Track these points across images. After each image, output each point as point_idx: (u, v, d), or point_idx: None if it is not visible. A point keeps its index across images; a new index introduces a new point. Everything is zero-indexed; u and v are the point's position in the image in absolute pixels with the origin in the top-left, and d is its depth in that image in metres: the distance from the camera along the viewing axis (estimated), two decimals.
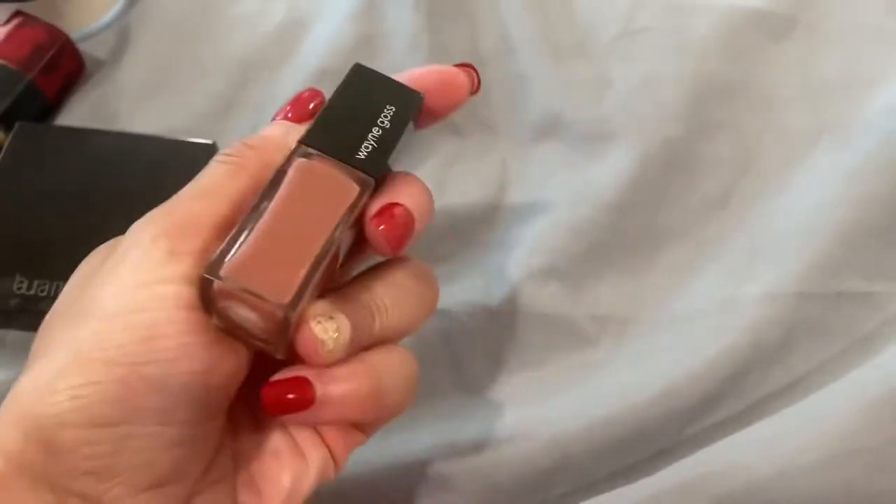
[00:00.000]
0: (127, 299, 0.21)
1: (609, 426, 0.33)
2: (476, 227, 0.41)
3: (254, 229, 0.22)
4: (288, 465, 0.25)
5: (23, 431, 0.20)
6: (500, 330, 0.37)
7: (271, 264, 0.22)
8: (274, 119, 0.27)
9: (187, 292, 0.21)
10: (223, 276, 0.21)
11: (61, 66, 0.44)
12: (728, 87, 0.43)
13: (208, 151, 0.41)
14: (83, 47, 0.46)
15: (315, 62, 0.45)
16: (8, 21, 0.44)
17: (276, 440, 0.25)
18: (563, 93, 0.43)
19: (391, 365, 0.24)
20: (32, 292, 0.36)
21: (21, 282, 0.36)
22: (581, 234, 0.38)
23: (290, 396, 0.22)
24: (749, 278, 0.36)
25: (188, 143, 0.41)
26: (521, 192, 0.41)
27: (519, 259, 0.38)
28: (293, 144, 0.24)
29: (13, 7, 0.45)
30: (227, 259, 0.22)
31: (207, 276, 0.21)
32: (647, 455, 0.33)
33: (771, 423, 0.32)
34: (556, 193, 0.40)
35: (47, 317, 0.24)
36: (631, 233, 0.39)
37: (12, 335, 0.37)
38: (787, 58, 0.44)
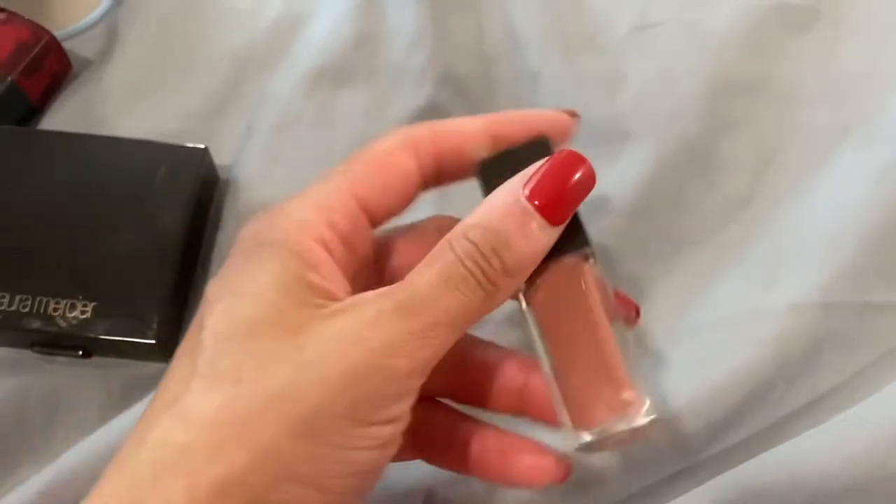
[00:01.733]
0: (350, 433, 0.21)
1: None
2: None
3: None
4: None
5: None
6: (511, 342, 0.35)
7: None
8: (525, 195, 0.23)
9: (400, 428, 0.22)
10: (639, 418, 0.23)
11: (46, 67, 0.43)
12: (747, 82, 0.41)
13: (199, 156, 0.39)
14: (69, 46, 0.45)
15: (312, 60, 0.44)
16: None
17: None
18: (574, 90, 0.42)
19: None
20: (14, 308, 0.34)
21: (2, 297, 0.34)
22: (594, 241, 0.37)
23: None
24: (772, 286, 0.35)
25: (179, 147, 0.39)
26: None
27: None
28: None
29: None
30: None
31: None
32: (665, 477, 0.32)
33: (796, 445, 0.31)
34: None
35: (217, 293, 0.22)
36: (646, 238, 0.37)
37: None
38: (808, 51, 0.42)
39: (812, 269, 0.34)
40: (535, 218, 0.22)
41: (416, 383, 0.22)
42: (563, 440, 0.24)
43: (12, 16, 0.43)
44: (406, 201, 0.26)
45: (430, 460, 0.27)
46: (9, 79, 0.41)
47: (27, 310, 0.34)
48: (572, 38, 0.43)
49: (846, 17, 0.43)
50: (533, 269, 0.23)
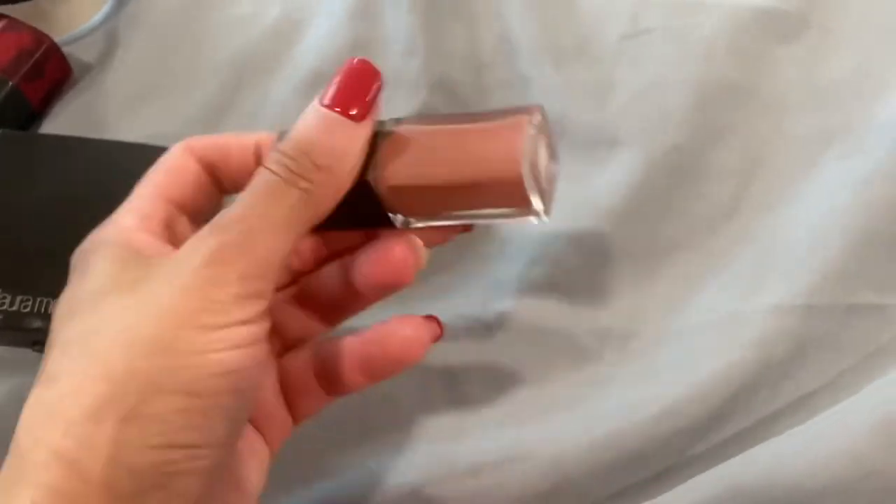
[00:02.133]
0: (198, 340, 0.22)
1: (610, 446, 0.32)
2: (472, 238, 0.40)
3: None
4: (256, 460, 0.27)
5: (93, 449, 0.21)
6: (496, 345, 0.36)
7: None
8: (322, 104, 0.25)
9: (254, 332, 0.23)
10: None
11: (47, 72, 0.43)
12: (735, 90, 0.41)
13: None
14: (70, 51, 0.45)
15: (310, 66, 0.45)
16: None
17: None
18: (564, 96, 0.42)
19: None
20: (15, 308, 0.35)
21: (3, 297, 0.35)
22: (582, 245, 0.37)
23: None
24: (757, 290, 0.35)
25: None
26: None
27: (517, 271, 0.37)
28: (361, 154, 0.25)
29: None
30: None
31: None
32: (650, 476, 0.32)
33: (779, 443, 0.31)
34: (557, 201, 0.39)
35: (61, 312, 0.24)
36: (634, 243, 0.38)
37: None
38: (796, 59, 0.43)
39: (797, 272, 0.35)
40: (334, 118, 0.24)
41: (253, 286, 0.22)
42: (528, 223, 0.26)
43: (14, 22, 0.43)
44: (210, 201, 0.28)
45: (336, 391, 0.29)
46: (10, 84, 0.41)
47: (28, 310, 0.35)
48: (563, 46, 0.44)
49: (833, 27, 0.44)
50: (352, 163, 0.24)
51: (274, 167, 0.23)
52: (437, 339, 0.28)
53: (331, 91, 0.24)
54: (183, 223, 0.27)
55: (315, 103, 0.25)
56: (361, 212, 0.26)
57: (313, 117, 0.24)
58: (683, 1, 0.45)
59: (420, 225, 0.26)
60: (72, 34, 0.47)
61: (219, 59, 0.46)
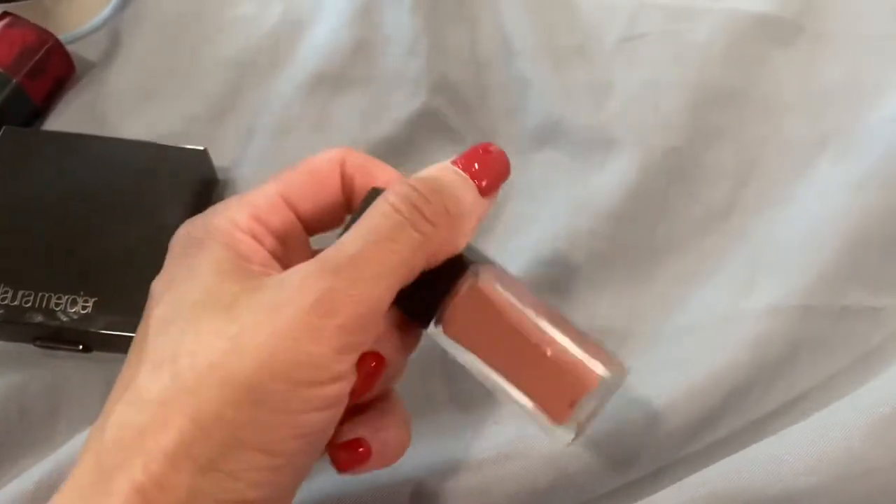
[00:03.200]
0: (289, 397, 0.21)
1: (608, 443, 0.32)
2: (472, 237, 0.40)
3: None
4: None
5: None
6: None
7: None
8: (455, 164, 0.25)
9: (345, 387, 0.22)
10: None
11: (50, 69, 0.43)
12: (730, 94, 0.42)
13: (199, 157, 0.40)
14: (73, 49, 0.45)
15: (311, 66, 0.45)
16: None
17: None
18: (563, 98, 0.43)
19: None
20: (17, 303, 0.35)
21: (5, 292, 0.35)
22: (580, 245, 0.38)
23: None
24: (751, 291, 0.36)
25: (179, 149, 0.40)
26: (518, 200, 0.41)
27: (517, 269, 0.38)
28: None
29: (1, 8, 0.44)
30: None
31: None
32: (647, 473, 0.33)
33: (774, 442, 0.31)
34: (554, 202, 0.40)
35: (160, 295, 0.23)
36: (631, 244, 0.38)
37: None
38: (790, 64, 0.43)
39: (790, 274, 0.35)
40: (469, 182, 0.24)
41: (354, 339, 0.21)
42: (552, 442, 0.25)
43: (17, 19, 0.43)
44: (334, 215, 0.27)
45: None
46: (14, 81, 0.42)
47: (30, 304, 0.35)
48: (562, 48, 0.44)
49: (827, 33, 0.44)
50: (467, 232, 0.24)
51: (400, 204, 0.22)
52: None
53: (465, 158, 0.24)
54: (297, 234, 0.26)
55: (446, 163, 0.24)
56: (416, 297, 0.24)
57: (448, 170, 0.24)
58: (680, 5, 0.45)
59: (445, 339, 0.25)
60: (75, 32, 0.47)
61: (221, 58, 0.46)
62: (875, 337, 0.34)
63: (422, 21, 0.45)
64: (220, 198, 0.41)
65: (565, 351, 0.23)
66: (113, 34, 0.47)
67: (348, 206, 0.27)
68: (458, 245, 0.24)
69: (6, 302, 0.35)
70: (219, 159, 0.41)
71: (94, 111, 0.44)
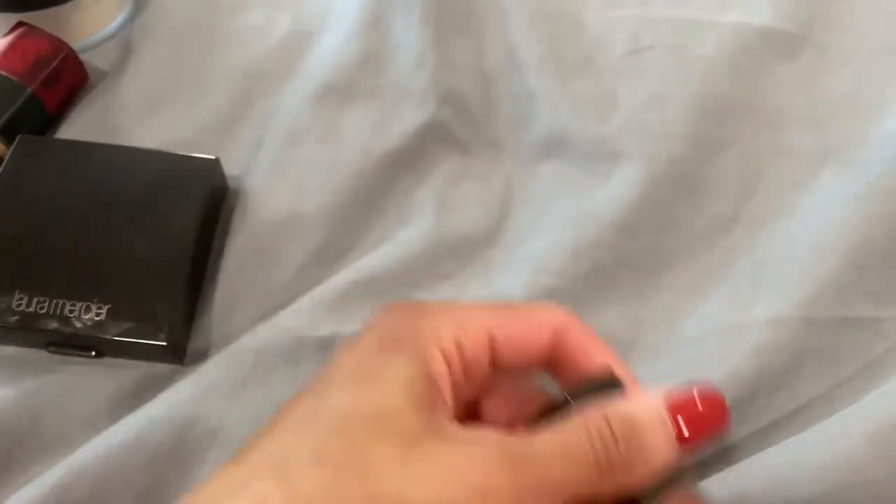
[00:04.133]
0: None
1: None
2: (479, 247, 0.40)
3: None
4: None
5: None
6: None
7: None
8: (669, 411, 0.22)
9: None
10: None
11: (63, 78, 0.44)
12: (735, 106, 0.43)
13: (211, 166, 0.40)
14: (86, 58, 0.46)
15: (320, 77, 0.45)
16: (10, 32, 0.44)
17: None
18: (569, 111, 0.43)
19: None
20: (32, 309, 0.35)
21: (21, 298, 0.36)
22: (586, 256, 0.38)
23: None
24: (754, 302, 0.36)
25: (191, 157, 0.40)
26: (525, 211, 0.41)
27: (522, 280, 0.38)
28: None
29: (15, 18, 0.45)
30: None
31: None
32: None
33: (776, 453, 0.32)
34: (560, 213, 0.40)
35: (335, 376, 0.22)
36: (636, 254, 0.39)
37: (11, 351, 0.37)
38: (794, 77, 0.44)
39: (794, 285, 0.35)
40: (668, 429, 0.22)
41: None
42: None
43: (32, 29, 0.44)
44: (528, 364, 0.25)
45: None
46: (28, 90, 0.42)
47: (44, 311, 0.35)
48: (568, 61, 0.45)
49: (831, 46, 0.45)
50: (647, 478, 0.22)
51: (594, 434, 0.21)
52: None
53: (679, 404, 0.22)
54: (481, 369, 0.24)
55: (658, 397, 0.22)
56: None
57: (651, 413, 0.22)
58: (685, 19, 0.46)
59: None
60: (88, 41, 0.47)
61: (230, 68, 0.47)
62: (877, 348, 0.34)
63: (430, 33, 0.46)
64: (231, 206, 0.42)
65: None
66: (125, 44, 0.48)
67: (544, 366, 0.25)
68: (636, 486, 0.22)
69: (21, 308, 0.35)
70: (228, 168, 0.42)
71: (107, 120, 0.45)
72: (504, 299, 0.38)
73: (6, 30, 0.44)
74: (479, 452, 0.21)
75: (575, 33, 0.46)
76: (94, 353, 0.36)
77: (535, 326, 0.24)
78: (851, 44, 0.45)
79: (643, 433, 0.22)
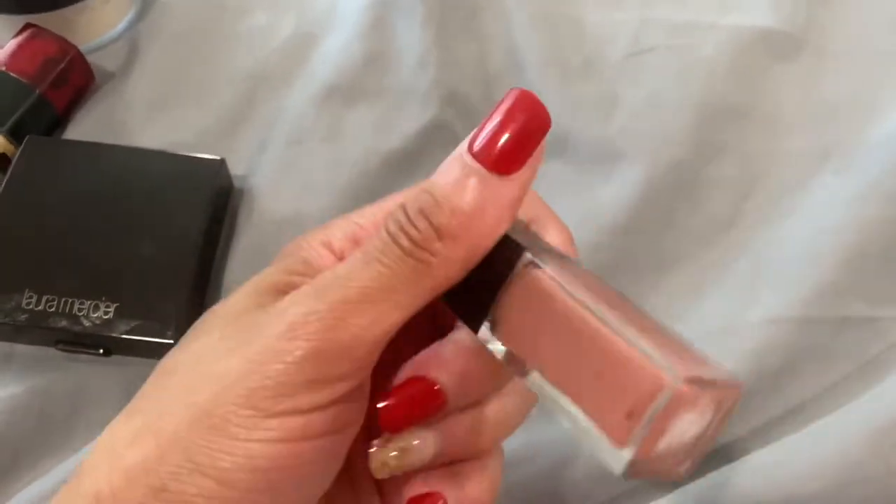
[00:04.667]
0: (249, 424, 0.19)
1: None
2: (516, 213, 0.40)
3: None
4: None
5: None
6: None
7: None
8: (468, 150, 0.20)
9: (322, 422, 0.19)
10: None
11: (71, 79, 0.44)
12: (734, 108, 0.43)
13: (216, 167, 0.41)
14: (93, 59, 0.46)
15: (324, 78, 0.46)
16: (18, 33, 0.44)
17: None
18: (570, 112, 0.43)
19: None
20: (41, 308, 0.36)
21: (30, 297, 0.36)
22: (585, 257, 0.38)
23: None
24: (752, 303, 0.36)
25: (196, 158, 0.41)
26: (523, 212, 0.41)
27: None
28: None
29: (23, 20, 0.45)
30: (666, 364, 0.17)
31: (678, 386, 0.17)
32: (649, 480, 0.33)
33: (773, 451, 0.32)
34: (560, 214, 0.40)
35: (171, 361, 0.21)
36: (635, 255, 0.39)
37: (20, 349, 0.38)
38: (793, 79, 0.44)
39: (791, 285, 0.36)
40: (475, 171, 0.19)
41: (330, 370, 0.19)
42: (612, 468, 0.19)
43: (40, 31, 0.44)
44: None
45: None
46: (37, 91, 0.43)
47: (53, 309, 0.36)
48: (569, 63, 0.45)
49: (829, 48, 0.45)
50: (487, 233, 0.20)
51: (392, 228, 0.19)
52: None
53: (478, 130, 0.20)
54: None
55: (462, 149, 0.20)
56: (465, 294, 0.20)
57: (451, 168, 0.20)
58: (685, 21, 0.46)
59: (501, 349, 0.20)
60: (95, 43, 0.48)
61: (236, 69, 0.47)
62: (874, 348, 0.34)
63: (432, 35, 0.46)
64: (236, 205, 0.42)
65: (631, 350, 0.18)
66: (131, 45, 0.48)
67: None
68: (487, 243, 0.20)
69: (31, 307, 0.36)
70: (234, 168, 0.42)
71: (113, 121, 0.45)
72: None
73: (15, 32, 0.45)
74: (287, 300, 0.20)
75: (576, 35, 0.46)
76: (102, 351, 0.37)
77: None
78: (851, 46, 0.45)
79: (439, 194, 0.19)
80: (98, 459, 0.20)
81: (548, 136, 0.43)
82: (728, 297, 0.37)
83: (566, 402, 0.19)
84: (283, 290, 0.20)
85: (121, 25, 0.49)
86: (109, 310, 0.36)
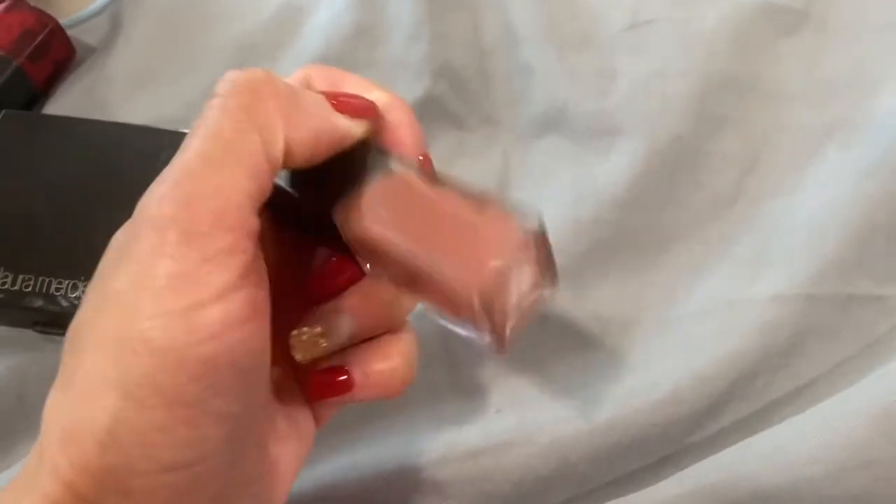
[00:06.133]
0: (173, 333, 0.18)
1: (611, 432, 0.32)
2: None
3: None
4: (293, 446, 0.24)
5: (92, 476, 0.19)
6: None
7: None
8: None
9: (235, 307, 0.19)
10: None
11: (50, 53, 0.43)
12: (736, 81, 0.42)
13: None
14: (74, 33, 0.46)
15: (314, 50, 0.45)
16: None
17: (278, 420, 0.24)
18: (567, 86, 0.42)
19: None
20: (17, 287, 0.35)
21: (6, 276, 0.35)
22: (585, 232, 0.38)
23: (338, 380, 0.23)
24: (757, 279, 0.35)
25: (180, 133, 0.39)
26: (522, 187, 0.40)
27: None
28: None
29: None
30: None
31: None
32: (651, 462, 0.33)
33: (778, 431, 0.31)
34: (559, 189, 0.40)
35: (76, 322, 0.21)
36: (636, 231, 0.38)
37: None
38: (796, 53, 0.43)
39: (796, 262, 0.35)
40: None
41: (215, 243, 0.19)
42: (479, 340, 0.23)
43: (18, 2, 0.43)
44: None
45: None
46: (14, 64, 0.41)
47: (30, 289, 0.35)
48: (567, 35, 0.44)
49: (833, 22, 0.44)
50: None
51: (217, 90, 0.21)
52: None
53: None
54: None
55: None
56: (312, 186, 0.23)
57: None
58: None
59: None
60: (76, 16, 0.47)
61: (222, 43, 0.46)
62: (881, 326, 0.34)
63: (425, 6, 0.45)
64: None
65: (467, 225, 0.21)
66: (113, 18, 0.47)
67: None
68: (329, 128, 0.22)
69: (6, 286, 0.35)
70: None
71: (95, 95, 0.44)
72: None
73: None
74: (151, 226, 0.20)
75: (573, 7, 0.45)
76: None
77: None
78: (854, 20, 0.44)
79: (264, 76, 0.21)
80: (49, 435, 0.20)
81: (546, 110, 0.42)
82: (732, 273, 0.36)
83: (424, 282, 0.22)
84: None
85: None
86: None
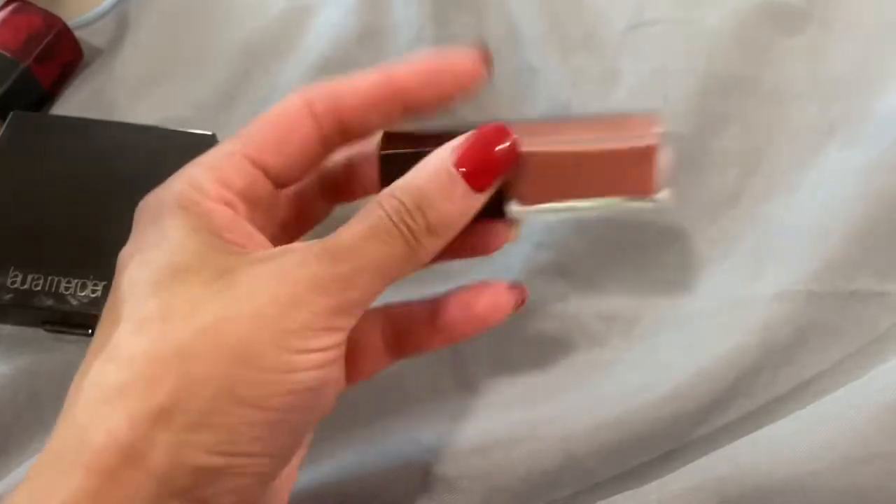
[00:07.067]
0: (283, 359, 0.22)
1: (616, 427, 0.32)
2: None
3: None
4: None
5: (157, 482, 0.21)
6: (504, 327, 0.36)
7: None
8: (453, 164, 0.24)
9: (331, 356, 0.23)
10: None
11: (58, 54, 0.44)
12: (738, 80, 0.42)
13: (208, 143, 0.40)
14: (81, 35, 0.46)
15: (319, 52, 0.45)
16: (3, 7, 0.43)
17: None
18: (570, 86, 0.43)
19: None
20: (27, 287, 0.35)
21: (15, 276, 0.35)
22: (588, 230, 0.38)
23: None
24: (759, 277, 0.36)
25: (187, 133, 0.40)
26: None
27: (524, 255, 0.38)
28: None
29: None
30: None
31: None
32: (656, 457, 0.33)
33: (782, 426, 0.32)
34: None
35: (129, 268, 0.23)
36: (639, 229, 0.38)
37: (6, 330, 0.37)
38: (798, 52, 0.43)
39: (799, 259, 0.35)
40: (460, 184, 0.24)
41: (344, 322, 0.23)
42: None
43: (26, 4, 0.43)
44: (308, 160, 0.26)
45: (403, 353, 0.29)
46: (22, 66, 0.42)
47: (39, 288, 0.35)
48: (569, 36, 0.44)
49: (835, 20, 0.44)
50: (458, 231, 0.24)
51: (391, 212, 0.23)
52: (521, 305, 0.29)
53: (466, 153, 0.24)
54: (266, 193, 0.26)
55: (444, 155, 0.24)
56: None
57: (440, 172, 0.24)
58: None
59: (528, 210, 0.27)
60: (83, 18, 0.47)
61: (229, 44, 0.46)
62: (883, 322, 0.34)
63: (429, 8, 0.45)
64: None
65: (613, 141, 0.26)
66: (120, 20, 0.47)
67: (326, 147, 0.26)
68: (453, 237, 0.24)
69: (16, 286, 0.35)
70: None
71: (103, 97, 0.44)
72: (503, 276, 0.37)
73: None
74: (289, 260, 0.23)
75: (576, 8, 0.46)
76: (90, 331, 0.36)
77: (282, 121, 0.26)
78: (856, 18, 0.44)
79: (433, 197, 0.23)
80: (109, 410, 0.20)
81: (549, 111, 0.43)
82: (734, 271, 0.37)
83: (601, 204, 0.26)
84: (216, 233, 0.23)
85: (109, 0, 0.48)
86: (97, 288, 0.35)
